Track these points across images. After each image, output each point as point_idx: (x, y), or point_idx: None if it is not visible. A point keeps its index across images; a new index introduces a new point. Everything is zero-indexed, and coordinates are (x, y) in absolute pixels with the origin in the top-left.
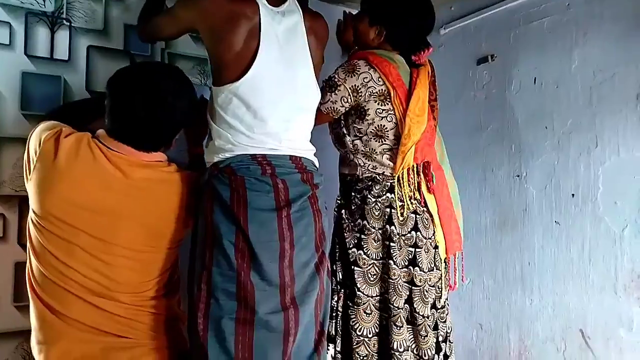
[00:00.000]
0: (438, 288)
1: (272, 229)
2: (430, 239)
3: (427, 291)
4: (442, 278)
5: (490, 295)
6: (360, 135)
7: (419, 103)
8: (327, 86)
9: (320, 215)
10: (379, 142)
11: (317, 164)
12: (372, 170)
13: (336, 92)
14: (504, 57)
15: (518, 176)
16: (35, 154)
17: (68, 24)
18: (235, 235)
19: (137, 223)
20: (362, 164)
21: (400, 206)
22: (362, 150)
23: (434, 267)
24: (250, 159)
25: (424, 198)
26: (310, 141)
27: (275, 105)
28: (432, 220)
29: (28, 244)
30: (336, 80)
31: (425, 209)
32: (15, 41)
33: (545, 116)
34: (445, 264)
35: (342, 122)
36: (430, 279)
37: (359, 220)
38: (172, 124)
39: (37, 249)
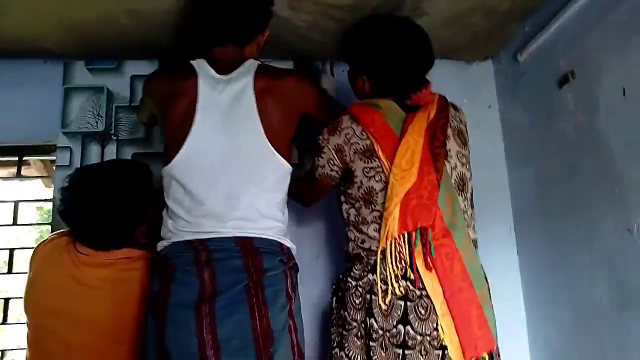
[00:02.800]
0: None
1: (190, 331)
2: (429, 335)
3: None
4: None
5: None
6: (353, 202)
7: (406, 154)
8: (313, 149)
9: (266, 309)
10: (369, 208)
11: (284, 243)
12: (360, 245)
13: (322, 155)
14: (585, 71)
15: (629, 230)
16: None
17: (115, 137)
18: (156, 342)
19: (93, 324)
20: (353, 238)
21: (382, 290)
22: (353, 221)
23: None
24: (186, 245)
25: (420, 278)
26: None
27: (213, 183)
28: (434, 309)
29: None
30: (320, 141)
31: (421, 293)
32: (73, 161)
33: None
34: None
35: (339, 188)
36: None
37: (342, 311)
38: (116, 223)
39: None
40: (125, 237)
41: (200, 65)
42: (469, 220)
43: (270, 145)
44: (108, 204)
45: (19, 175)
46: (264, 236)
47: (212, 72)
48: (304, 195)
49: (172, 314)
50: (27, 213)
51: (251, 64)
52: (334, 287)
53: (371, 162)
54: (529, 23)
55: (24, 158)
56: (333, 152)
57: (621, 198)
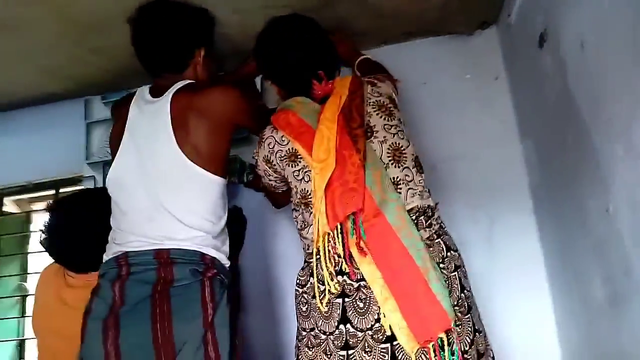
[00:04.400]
0: None
1: (98, 343)
2: (370, 329)
3: None
4: None
5: None
6: (296, 208)
7: (322, 144)
8: (254, 162)
9: (170, 319)
10: (309, 212)
11: (207, 253)
12: (306, 250)
13: (258, 167)
14: (554, 27)
15: (607, 211)
16: None
17: None
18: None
19: (75, 341)
20: (302, 246)
21: (320, 291)
22: (299, 228)
23: None
24: (113, 261)
25: (355, 267)
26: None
27: (135, 199)
28: (373, 299)
29: None
30: (254, 155)
31: (358, 285)
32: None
33: (606, 98)
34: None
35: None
36: None
37: (297, 322)
38: (85, 250)
39: None
40: (98, 260)
41: (140, 92)
42: (415, 187)
43: (187, 159)
44: (70, 234)
45: None
46: (181, 247)
47: (148, 96)
48: (270, 200)
49: (88, 328)
50: None
51: (177, 84)
52: None
53: (297, 164)
54: None
55: (60, 190)
56: (264, 163)
57: (595, 171)
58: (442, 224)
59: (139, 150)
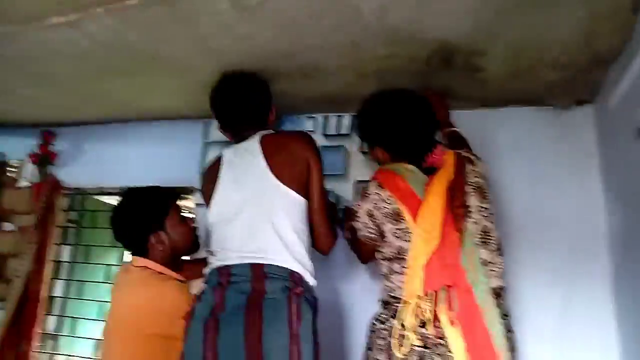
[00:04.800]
0: None
1: (198, 341)
2: None
3: None
4: None
5: None
6: (385, 258)
7: (428, 216)
8: (353, 215)
9: (261, 328)
10: (399, 264)
11: (296, 270)
12: (389, 293)
13: (358, 219)
14: None
15: None
16: None
17: None
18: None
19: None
20: (384, 287)
21: (400, 336)
22: (385, 272)
23: None
24: (215, 271)
25: (441, 332)
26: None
27: (235, 221)
28: (449, 357)
29: None
30: (355, 207)
31: (438, 342)
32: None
33: None
34: None
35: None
36: None
37: (368, 352)
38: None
39: None
40: (136, 240)
41: (227, 149)
42: (496, 269)
43: (277, 180)
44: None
45: None
46: (274, 263)
47: (235, 145)
48: (359, 255)
49: (191, 327)
50: None
51: (261, 132)
52: (368, 328)
53: (399, 224)
54: (614, 67)
55: None
56: (366, 216)
57: None
58: (507, 305)
59: (237, 181)
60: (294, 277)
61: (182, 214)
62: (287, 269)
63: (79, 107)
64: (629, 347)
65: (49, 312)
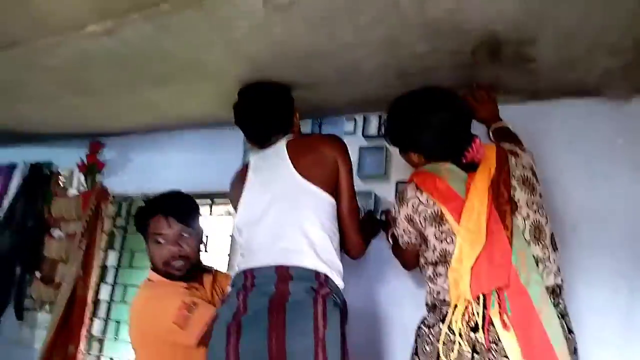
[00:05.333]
0: None
1: (222, 343)
2: None
3: None
4: None
5: None
6: (430, 262)
7: (472, 215)
8: (392, 221)
9: (284, 331)
10: (445, 267)
11: (322, 271)
12: (435, 297)
13: (398, 226)
14: None
15: None
16: None
17: None
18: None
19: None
20: (429, 291)
21: (450, 341)
22: (430, 276)
23: None
24: (241, 274)
25: (493, 337)
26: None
27: (262, 222)
28: None
29: None
30: (394, 213)
31: (490, 347)
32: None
33: None
34: None
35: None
36: None
37: (414, 357)
38: None
39: None
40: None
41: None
42: (551, 266)
43: (304, 179)
44: None
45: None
46: (299, 264)
47: (261, 151)
48: (402, 262)
49: (215, 330)
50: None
51: (286, 137)
52: (415, 333)
53: (441, 226)
54: None
55: (215, 201)
56: (406, 222)
57: None
58: (565, 304)
59: (264, 184)
60: (320, 278)
61: (160, 234)
62: (312, 270)
63: (122, 115)
64: None
65: (95, 315)
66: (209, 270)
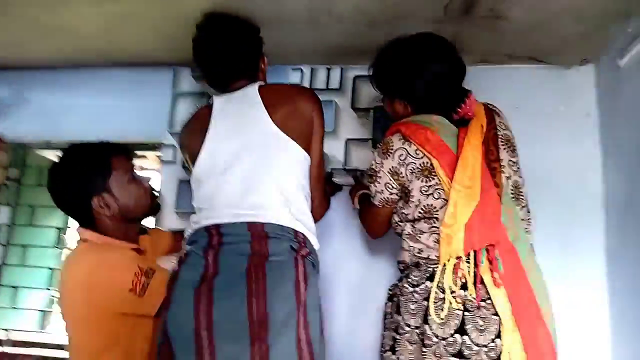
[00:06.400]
0: None
1: (189, 310)
2: (486, 347)
3: None
4: None
5: None
6: (409, 219)
7: (467, 170)
8: (369, 176)
9: (265, 295)
10: (428, 223)
11: (299, 230)
12: (417, 254)
13: (378, 180)
14: None
15: None
16: None
17: None
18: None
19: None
20: (408, 248)
21: (439, 299)
22: (409, 234)
23: None
24: (203, 231)
25: (483, 294)
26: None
27: (228, 175)
28: (493, 321)
29: None
30: (374, 167)
31: (479, 304)
32: (177, 157)
33: None
34: None
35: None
36: None
37: (395, 316)
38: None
39: None
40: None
41: (216, 97)
42: (530, 227)
43: (280, 131)
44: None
45: None
46: (275, 222)
47: (226, 94)
48: (371, 226)
49: (176, 294)
50: None
51: (256, 83)
52: (390, 292)
53: (429, 180)
54: (632, 24)
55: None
56: (389, 175)
57: None
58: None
59: (232, 130)
60: (299, 237)
61: (132, 172)
62: (290, 228)
63: (25, 43)
64: (620, 310)
65: None
66: (144, 229)
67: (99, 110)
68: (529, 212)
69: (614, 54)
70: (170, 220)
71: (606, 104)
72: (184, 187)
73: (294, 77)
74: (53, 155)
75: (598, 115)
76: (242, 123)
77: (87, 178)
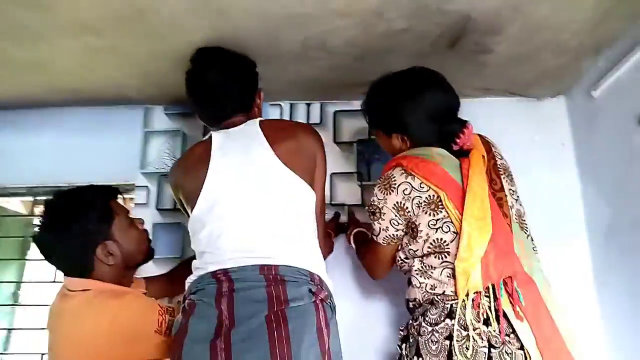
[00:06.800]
0: None
1: None
2: None
3: None
4: None
5: None
6: (417, 255)
7: (476, 201)
8: (371, 214)
9: (289, 345)
10: (439, 258)
11: (315, 272)
12: (430, 291)
13: (382, 217)
14: None
15: None
16: None
17: None
18: None
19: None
20: (419, 285)
21: (461, 337)
22: (418, 269)
23: None
24: (209, 277)
25: (507, 329)
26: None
27: (232, 216)
28: (526, 357)
29: None
30: (376, 203)
31: (504, 339)
32: (150, 199)
33: None
34: None
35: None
36: None
37: (414, 358)
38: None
39: None
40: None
41: (214, 134)
42: (537, 255)
43: (285, 167)
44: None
45: None
46: (289, 264)
47: (224, 130)
48: (374, 267)
49: (186, 350)
50: None
51: (254, 119)
52: (402, 333)
53: (436, 213)
54: (602, 58)
55: None
56: (394, 211)
57: None
58: None
59: (233, 167)
60: (315, 280)
61: (129, 215)
62: (306, 270)
63: None
64: (613, 333)
65: None
66: None
67: (65, 151)
68: (532, 240)
69: (587, 85)
70: (146, 265)
71: (581, 133)
72: (160, 230)
73: (273, 113)
74: (9, 203)
75: (573, 144)
76: (245, 160)
77: (91, 226)
